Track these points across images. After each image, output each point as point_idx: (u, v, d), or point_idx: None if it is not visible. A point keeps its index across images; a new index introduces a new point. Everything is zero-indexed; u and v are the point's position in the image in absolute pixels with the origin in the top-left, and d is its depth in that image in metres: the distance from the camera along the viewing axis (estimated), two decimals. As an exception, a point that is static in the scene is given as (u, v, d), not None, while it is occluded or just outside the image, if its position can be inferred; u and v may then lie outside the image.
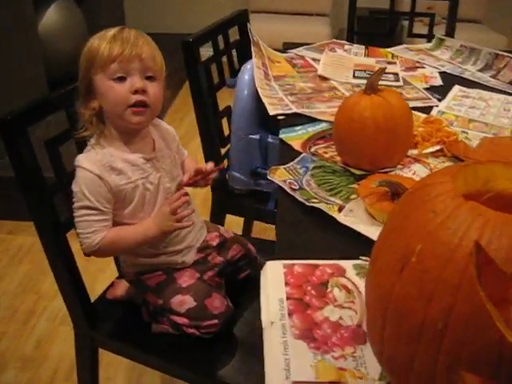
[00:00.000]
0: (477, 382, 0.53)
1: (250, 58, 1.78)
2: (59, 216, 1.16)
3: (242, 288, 1.31)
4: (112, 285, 1.35)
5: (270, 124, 1.67)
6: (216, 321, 1.14)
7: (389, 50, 2.07)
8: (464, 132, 1.40)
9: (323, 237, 1.01)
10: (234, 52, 1.88)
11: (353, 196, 1.10)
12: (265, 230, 2.29)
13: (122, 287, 1.31)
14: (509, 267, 0.50)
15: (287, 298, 0.83)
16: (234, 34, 1.88)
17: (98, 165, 1.06)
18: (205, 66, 1.62)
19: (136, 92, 1.04)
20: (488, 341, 0.51)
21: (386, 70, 1.78)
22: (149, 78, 1.06)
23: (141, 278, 1.20)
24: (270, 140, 1.68)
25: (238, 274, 1.33)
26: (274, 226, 2.27)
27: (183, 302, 1.15)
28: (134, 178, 1.09)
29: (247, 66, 1.73)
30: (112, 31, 1.06)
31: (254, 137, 1.68)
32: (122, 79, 1.04)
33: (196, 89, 1.62)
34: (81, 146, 1.16)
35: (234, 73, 1.83)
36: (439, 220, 0.55)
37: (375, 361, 0.72)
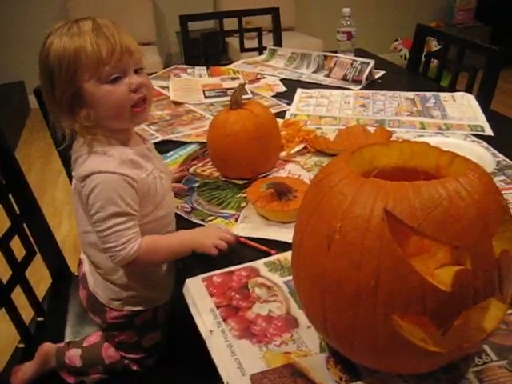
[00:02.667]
0: (410, 321, 0.64)
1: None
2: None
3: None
4: (14, 373, 1.21)
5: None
6: (157, 356, 1.18)
7: (229, 67, 2.21)
8: (319, 128, 1.55)
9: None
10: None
11: (243, 204, 1.18)
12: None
13: (29, 368, 1.20)
14: (414, 222, 0.61)
15: (217, 307, 0.89)
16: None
17: (117, 163, 0.96)
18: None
19: (136, 90, 0.97)
20: (411, 285, 0.61)
21: (233, 86, 1.91)
22: (138, 70, 0.99)
23: (130, 318, 1.13)
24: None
25: None
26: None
27: (154, 337, 1.16)
28: (149, 168, 1.02)
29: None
30: (83, 25, 0.94)
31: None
32: (116, 79, 0.95)
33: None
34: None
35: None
36: (350, 199, 0.65)
37: (312, 338, 0.81)
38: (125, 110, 0.98)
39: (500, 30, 4.68)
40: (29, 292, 1.34)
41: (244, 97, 1.79)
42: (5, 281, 1.26)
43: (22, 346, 1.28)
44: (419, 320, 0.66)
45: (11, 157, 1.37)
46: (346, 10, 2.07)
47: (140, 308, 1.13)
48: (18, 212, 1.36)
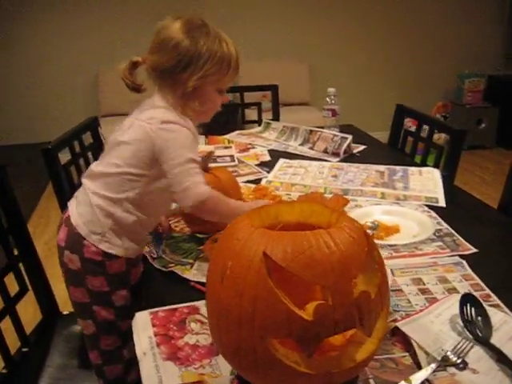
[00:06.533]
0: (287, 345, 0.79)
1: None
2: None
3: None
4: None
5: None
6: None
7: (226, 136, 2.44)
8: (288, 194, 1.74)
9: (181, 286, 1.24)
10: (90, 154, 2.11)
11: (202, 254, 1.36)
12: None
13: None
14: (284, 262, 0.78)
15: (155, 335, 1.05)
16: (87, 138, 2.11)
17: (192, 127, 1.23)
18: (65, 169, 1.83)
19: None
20: (280, 312, 0.77)
21: (224, 154, 2.14)
22: None
23: (103, 261, 1.28)
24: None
25: None
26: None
27: (123, 296, 1.32)
28: None
29: (103, 164, 1.97)
30: (226, 37, 1.24)
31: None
32: (221, 91, 1.28)
33: (59, 190, 1.81)
34: None
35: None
36: (241, 243, 0.83)
37: (226, 365, 0.96)
38: (212, 114, 1.33)
39: (508, 111, 4.87)
40: (17, 324, 1.52)
41: (228, 164, 2.01)
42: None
43: (4, 371, 1.45)
44: (294, 345, 0.81)
45: (15, 204, 1.58)
46: (331, 90, 2.29)
47: (112, 252, 1.27)
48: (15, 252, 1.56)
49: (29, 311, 1.87)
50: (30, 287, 1.61)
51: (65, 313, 1.70)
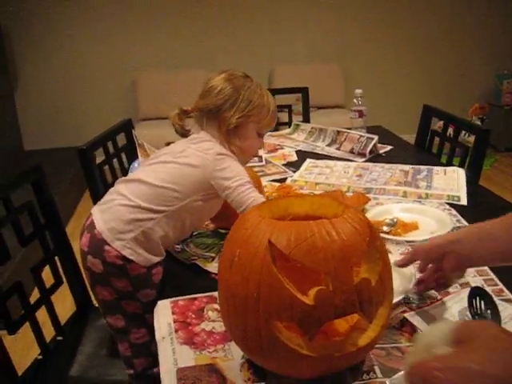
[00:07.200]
0: (290, 329, 0.84)
1: (137, 158, 2.11)
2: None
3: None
4: None
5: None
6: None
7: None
8: (311, 192, 1.78)
9: (202, 278, 1.31)
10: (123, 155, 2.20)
11: (222, 249, 1.42)
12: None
13: None
14: (287, 250, 0.83)
15: (174, 322, 1.11)
16: (122, 139, 2.21)
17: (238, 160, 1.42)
18: (99, 169, 1.92)
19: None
20: (283, 297, 0.82)
21: (252, 154, 2.17)
22: None
23: (125, 264, 1.33)
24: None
25: None
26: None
27: (149, 294, 1.37)
28: None
29: (135, 164, 2.06)
30: (269, 96, 1.45)
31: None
32: (260, 135, 1.47)
33: (94, 188, 1.91)
34: None
35: (125, 172, 2.14)
36: (249, 232, 0.88)
37: (239, 351, 1.01)
38: (251, 155, 1.52)
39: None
40: (53, 314, 1.61)
41: (256, 164, 2.06)
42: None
43: (40, 357, 1.54)
44: (297, 329, 0.86)
45: (52, 202, 1.68)
46: (358, 91, 2.33)
47: (133, 258, 1.32)
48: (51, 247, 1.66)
49: (66, 304, 1.97)
50: (64, 280, 1.70)
51: (97, 305, 1.79)
